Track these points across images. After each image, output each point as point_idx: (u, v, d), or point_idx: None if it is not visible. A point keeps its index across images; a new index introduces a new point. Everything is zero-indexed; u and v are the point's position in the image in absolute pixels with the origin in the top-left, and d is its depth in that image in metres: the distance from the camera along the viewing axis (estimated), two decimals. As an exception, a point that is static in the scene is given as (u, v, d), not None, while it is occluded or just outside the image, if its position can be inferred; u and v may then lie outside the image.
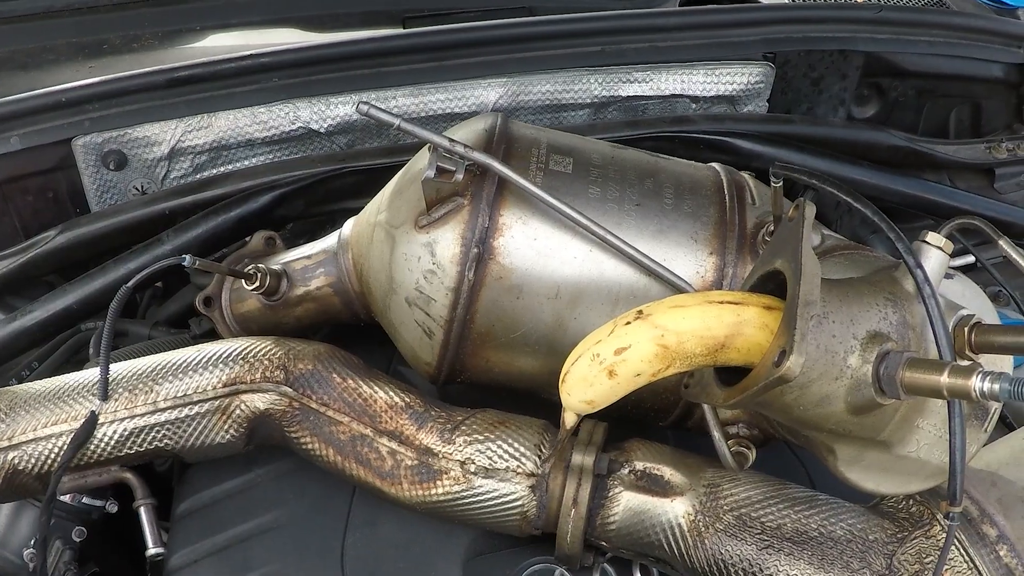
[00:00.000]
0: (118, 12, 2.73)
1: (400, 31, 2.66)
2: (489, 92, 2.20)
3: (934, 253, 1.23)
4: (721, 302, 1.17)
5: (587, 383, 1.21)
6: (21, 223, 2.12)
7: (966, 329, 1.21)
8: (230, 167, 2.19)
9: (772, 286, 1.22)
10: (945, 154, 2.44)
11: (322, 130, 2.16)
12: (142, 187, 2.14)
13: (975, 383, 1.04)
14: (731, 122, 2.23)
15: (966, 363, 1.15)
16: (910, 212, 2.35)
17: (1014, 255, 1.45)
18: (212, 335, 1.84)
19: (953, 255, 2.27)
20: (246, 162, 2.19)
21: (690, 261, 1.48)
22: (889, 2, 2.99)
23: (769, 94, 2.37)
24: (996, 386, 1.03)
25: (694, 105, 2.35)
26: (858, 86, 2.45)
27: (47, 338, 1.94)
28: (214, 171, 2.18)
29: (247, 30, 2.82)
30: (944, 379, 1.07)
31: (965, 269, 2.35)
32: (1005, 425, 1.92)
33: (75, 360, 1.96)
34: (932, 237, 1.24)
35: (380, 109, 1.48)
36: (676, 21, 2.34)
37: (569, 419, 1.29)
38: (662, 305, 1.20)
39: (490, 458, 1.45)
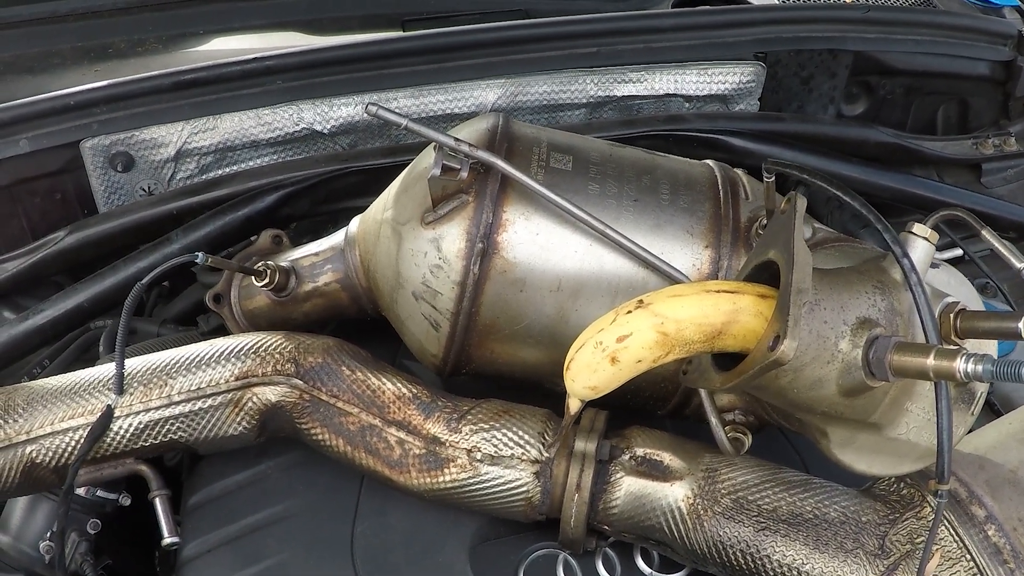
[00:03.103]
0: (122, 16, 2.74)
1: (400, 34, 2.68)
2: (488, 93, 2.23)
3: (920, 243, 1.27)
4: (718, 291, 1.21)
5: (591, 369, 1.24)
6: (30, 224, 2.14)
7: (951, 315, 1.25)
8: (235, 168, 2.21)
9: (766, 276, 1.26)
10: (933, 150, 2.47)
11: (325, 131, 2.18)
12: (149, 188, 2.17)
13: (959, 365, 1.09)
14: (723, 120, 2.26)
15: (952, 347, 1.19)
16: (899, 207, 2.37)
17: (997, 244, 1.48)
18: (220, 332, 1.85)
19: (942, 248, 2.32)
20: (251, 163, 2.22)
21: (687, 254, 1.52)
22: (877, 2, 3.01)
23: (760, 93, 2.40)
24: (979, 367, 1.08)
25: (687, 104, 2.37)
26: (847, 84, 2.47)
27: (57, 336, 1.97)
28: (220, 172, 2.20)
29: (250, 34, 2.84)
30: (930, 361, 1.11)
31: (954, 262, 2.38)
32: (993, 412, 1.95)
33: (85, 358, 1.98)
34: (918, 228, 1.28)
35: (388, 110, 1.51)
36: (669, 22, 2.36)
37: (573, 405, 1.32)
38: (662, 294, 1.23)
39: (495, 446, 1.48)
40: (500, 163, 1.47)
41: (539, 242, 1.50)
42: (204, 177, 2.19)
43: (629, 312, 1.22)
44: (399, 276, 1.56)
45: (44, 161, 2.09)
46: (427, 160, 1.53)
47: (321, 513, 1.62)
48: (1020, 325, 1.13)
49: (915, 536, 1.37)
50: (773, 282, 1.21)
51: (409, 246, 1.53)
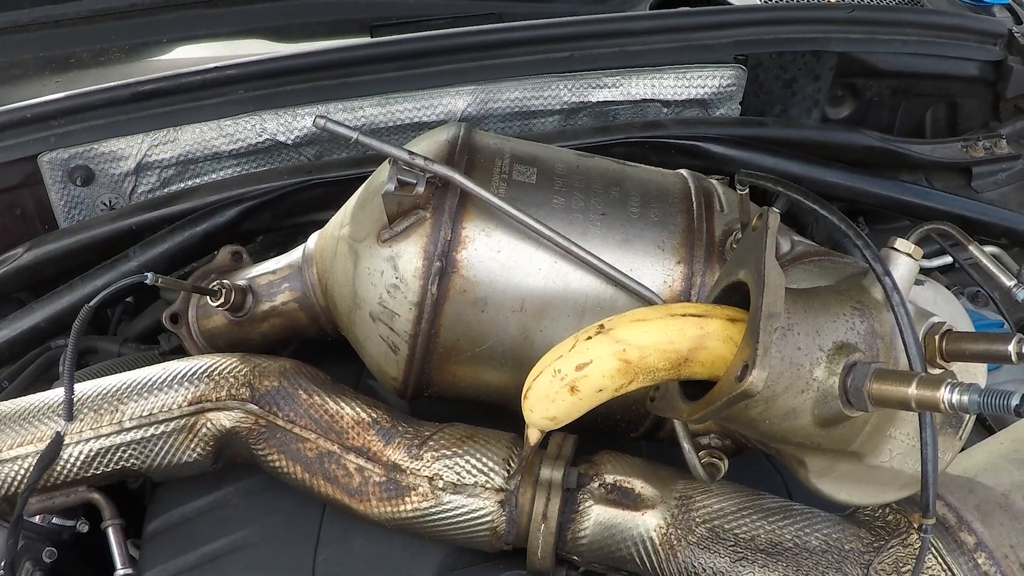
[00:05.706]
0: (85, 26, 2.71)
1: (367, 40, 2.63)
2: (457, 100, 2.19)
3: (903, 260, 1.21)
4: (684, 315, 1.15)
5: (549, 399, 1.19)
6: (-9, 241, 2.10)
7: (936, 337, 1.19)
8: (197, 181, 2.17)
9: (737, 297, 1.20)
10: (921, 154, 2.44)
11: (289, 142, 2.14)
12: (110, 202, 2.13)
13: (944, 395, 1.02)
14: (703, 126, 2.22)
15: (937, 371, 1.13)
16: (887, 213, 2.34)
17: (983, 259, 1.44)
18: (181, 351, 1.82)
19: (931, 256, 2.27)
20: (213, 175, 2.18)
21: (657, 270, 1.46)
22: (862, 1, 2.98)
23: (741, 97, 2.36)
24: (965, 398, 1.01)
25: (665, 109, 2.34)
26: (832, 87, 2.43)
27: (16, 357, 1.92)
28: (181, 185, 2.17)
29: (214, 41, 2.79)
30: (912, 391, 1.05)
31: (944, 269, 2.34)
32: (984, 428, 1.90)
33: (45, 378, 1.93)
34: (901, 243, 1.22)
35: (337, 123, 1.46)
36: (646, 25, 2.32)
37: (533, 435, 1.27)
38: (624, 319, 1.17)
39: (458, 473, 1.44)
40: (458, 177, 1.41)
41: (501, 260, 1.44)
42: (166, 190, 2.16)
43: (589, 338, 1.16)
44: (356, 296, 1.50)
45: (2, 176, 2.05)
46: (383, 175, 1.47)
47: (282, 540, 1.58)
48: (1010, 348, 1.07)
49: (901, 565, 1.33)
50: (744, 303, 1.15)
51: (365, 265, 1.48)
